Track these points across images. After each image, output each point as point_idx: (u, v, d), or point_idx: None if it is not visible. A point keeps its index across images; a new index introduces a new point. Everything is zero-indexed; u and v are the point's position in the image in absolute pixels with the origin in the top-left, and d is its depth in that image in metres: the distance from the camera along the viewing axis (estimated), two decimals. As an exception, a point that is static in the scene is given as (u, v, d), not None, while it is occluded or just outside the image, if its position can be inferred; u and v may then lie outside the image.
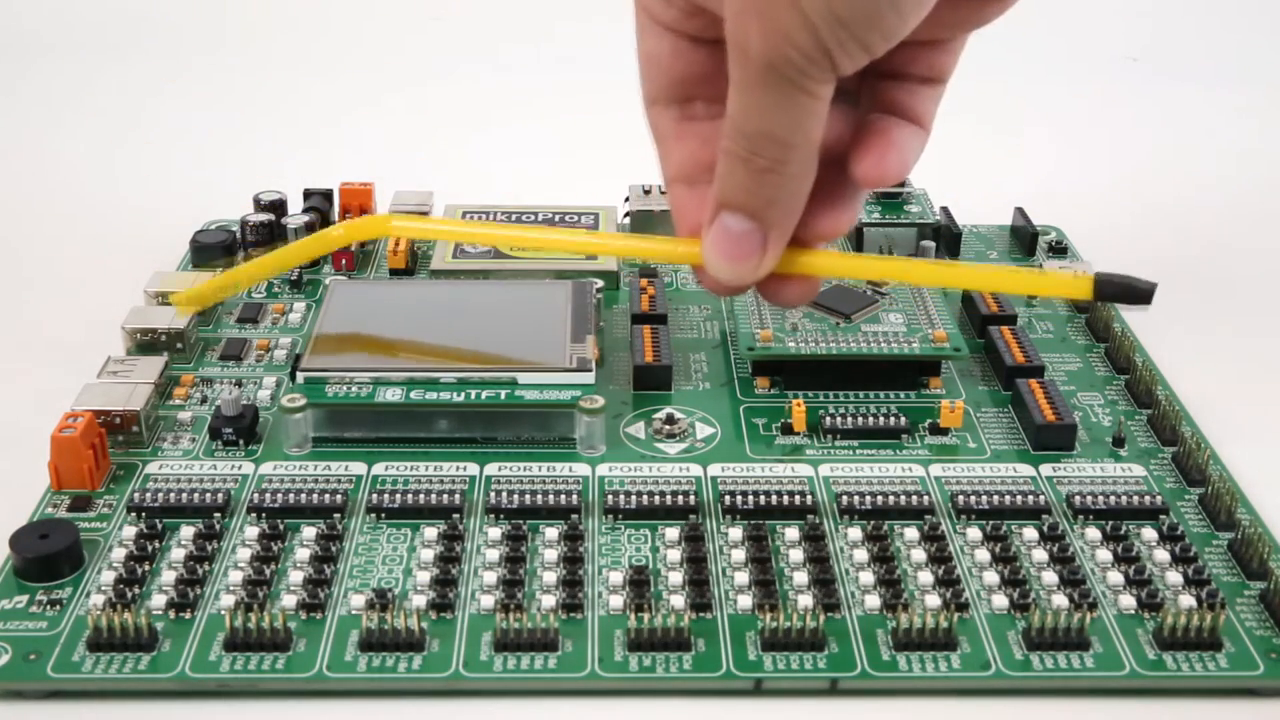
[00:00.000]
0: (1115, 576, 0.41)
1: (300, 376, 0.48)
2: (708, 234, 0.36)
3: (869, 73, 0.36)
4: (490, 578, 0.41)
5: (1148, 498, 0.44)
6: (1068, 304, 0.58)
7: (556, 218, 0.62)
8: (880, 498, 0.44)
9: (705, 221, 0.37)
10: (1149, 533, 0.43)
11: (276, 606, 0.39)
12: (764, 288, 0.38)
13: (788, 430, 0.48)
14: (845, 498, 0.44)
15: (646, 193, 0.63)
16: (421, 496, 0.44)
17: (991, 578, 0.41)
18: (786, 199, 0.35)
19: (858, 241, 0.61)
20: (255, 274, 0.44)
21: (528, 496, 0.44)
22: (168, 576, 0.41)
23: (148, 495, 0.44)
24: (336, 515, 0.44)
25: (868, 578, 0.41)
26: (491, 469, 0.46)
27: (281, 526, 0.43)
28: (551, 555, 0.42)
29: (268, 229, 0.60)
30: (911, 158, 0.37)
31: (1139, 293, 0.37)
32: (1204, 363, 0.54)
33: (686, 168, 0.38)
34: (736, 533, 0.43)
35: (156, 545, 0.42)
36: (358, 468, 0.46)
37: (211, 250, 0.60)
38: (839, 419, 0.48)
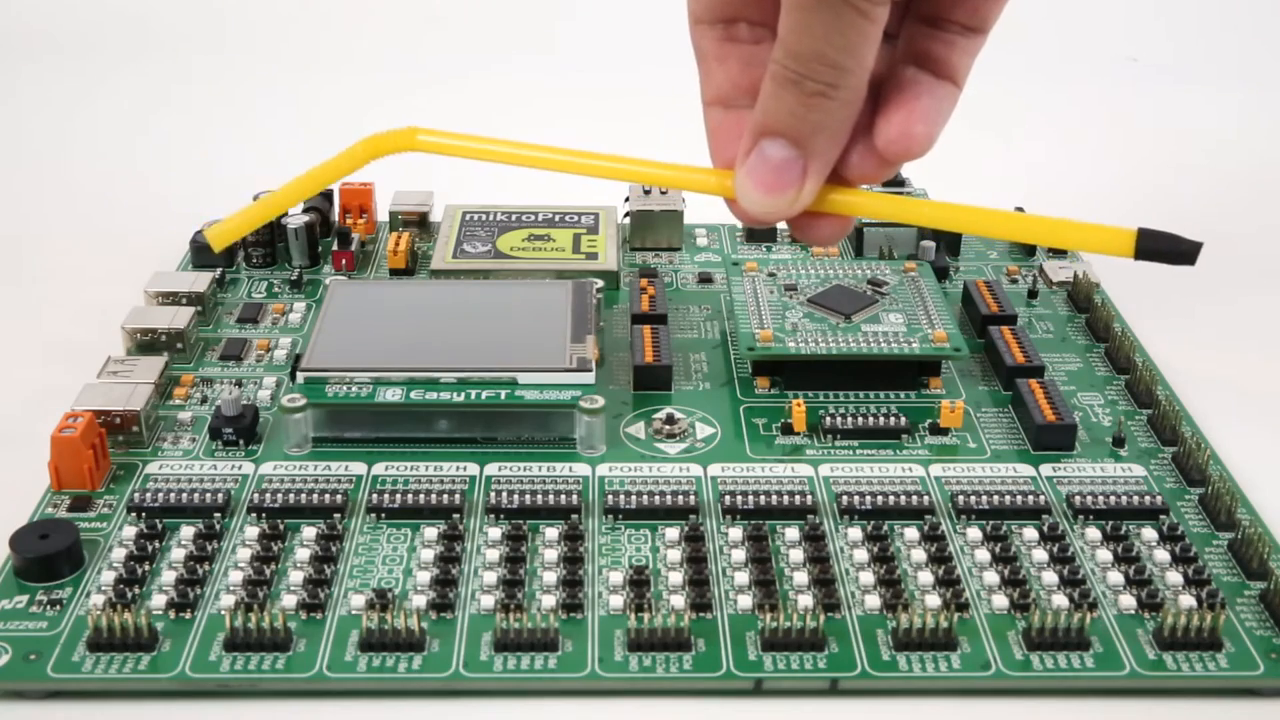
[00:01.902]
0: (1115, 576, 0.41)
1: (300, 376, 0.48)
2: (744, 163, 0.34)
3: (909, 15, 0.35)
4: (490, 578, 0.41)
5: (1148, 498, 0.44)
6: (1068, 304, 0.58)
7: (556, 217, 0.62)
8: (880, 498, 0.44)
9: (741, 150, 0.35)
10: (1149, 533, 0.43)
11: (276, 606, 0.39)
12: (796, 224, 0.37)
13: (788, 430, 0.48)
14: (845, 498, 0.44)
15: (646, 193, 0.63)
16: (421, 496, 0.44)
17: (991, 578, 0.41)
18: (834, 126, 0.34)
19: (858, 243, 0.61)
20: (285, 199, 0.43)
21: (528, 496, 0.44)
22: (168, 576, 0.41)
23: (148, 495, 0.44)
24: (336, 515, 0.44)
25: (868, 578, 0.41)
26: (491, 469, 0.46)
27: (281, 526, 0.43)
28: (551, 555, 0.42)
29: (268, 229, 0.60)
30: (939, 127, 0.35)
31: (1183, 252, 0.35)
32: (1204, 363, 0.54)
33: (725, 90, 0.37)
34: (736, 533, 0.43)
35: (156, 545, 0.42)
36: (358, 468, 0.46)
37: (211, 250, 0.60)
38: (839, 419, 0.48)
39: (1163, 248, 0.35)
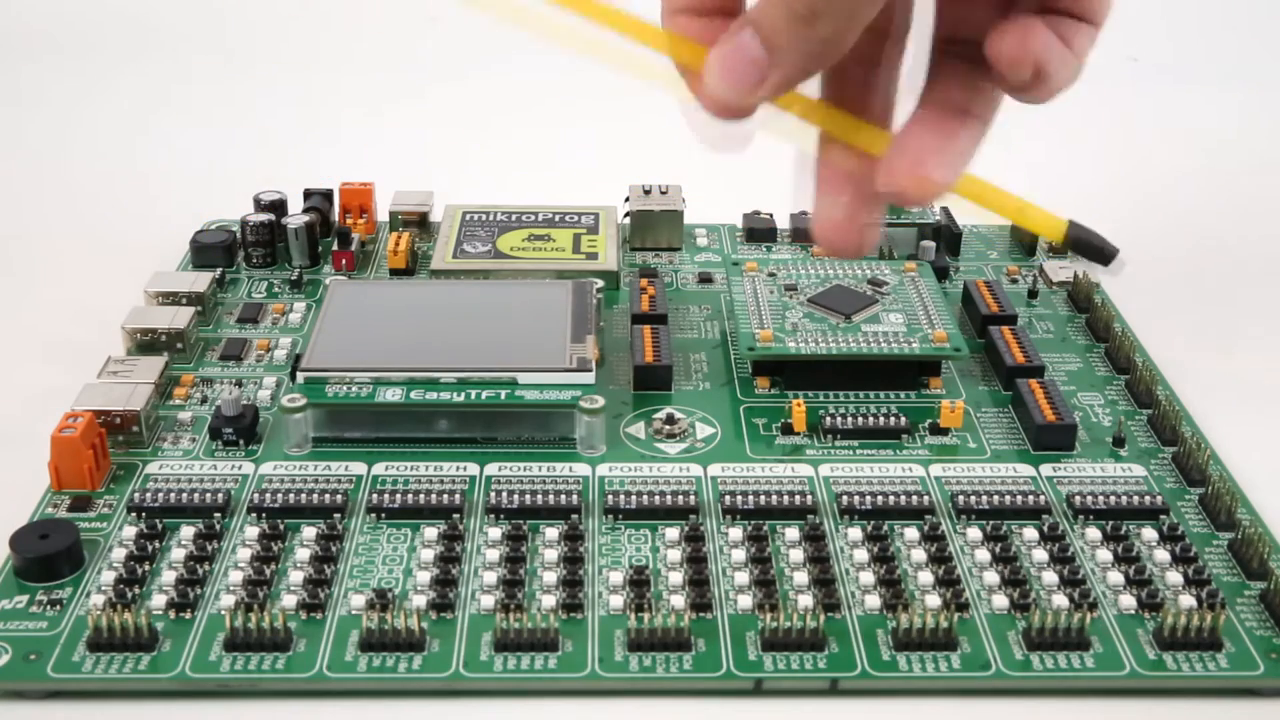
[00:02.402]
0: (1115, 576, 0.41)
1: (300, 376, 0.48)
2: (722, 41, 0.35)
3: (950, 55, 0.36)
4: (490, 578, 0.41)
5: (1148, 498, 0.44)
6: (1068, 304, 0.58)
7: (556, 217, 0.62)
8: (880, 498, 0.44)
9: (729, 30, 0.35)
10: (1149, 533, 0.43)
11: (276, 606, 0.39)
12: (821, 230, 0.37)
13: (788, 430, 0.48)
14: (845, 498, 0.44)
15: (646, 193, 0.63)
16: (421, 496, 0.44)
17: (992, 578, 0.41)
18: (804, 53, 0.34)
19: (858, 241, 0.61)
20: None
21: (528, 496, 0.44)
22: (168, 576, 0.41)
23: (148, 495, 0.44)
24: (336, 515, 0.44)
25: (868, 578, 0.41)
26: (491, 469, 0.46)
27: (281, 526, 0.43)
28: (551, 555, 0.42)
29: (268, 229, 0.60)
30: (1064, 75, 0.36)
31: (1101, 254, 0.37)
32: (1205, 363, 0.54)
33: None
34: (736, 533, 0.43)
35: (156, 545, 0.42)
36: (358, 468, 0.46)
37: (211, 250, 0.60)
38: (839, 419, 0.48)
39: (1089, 241, 0.37)
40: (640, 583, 0.41)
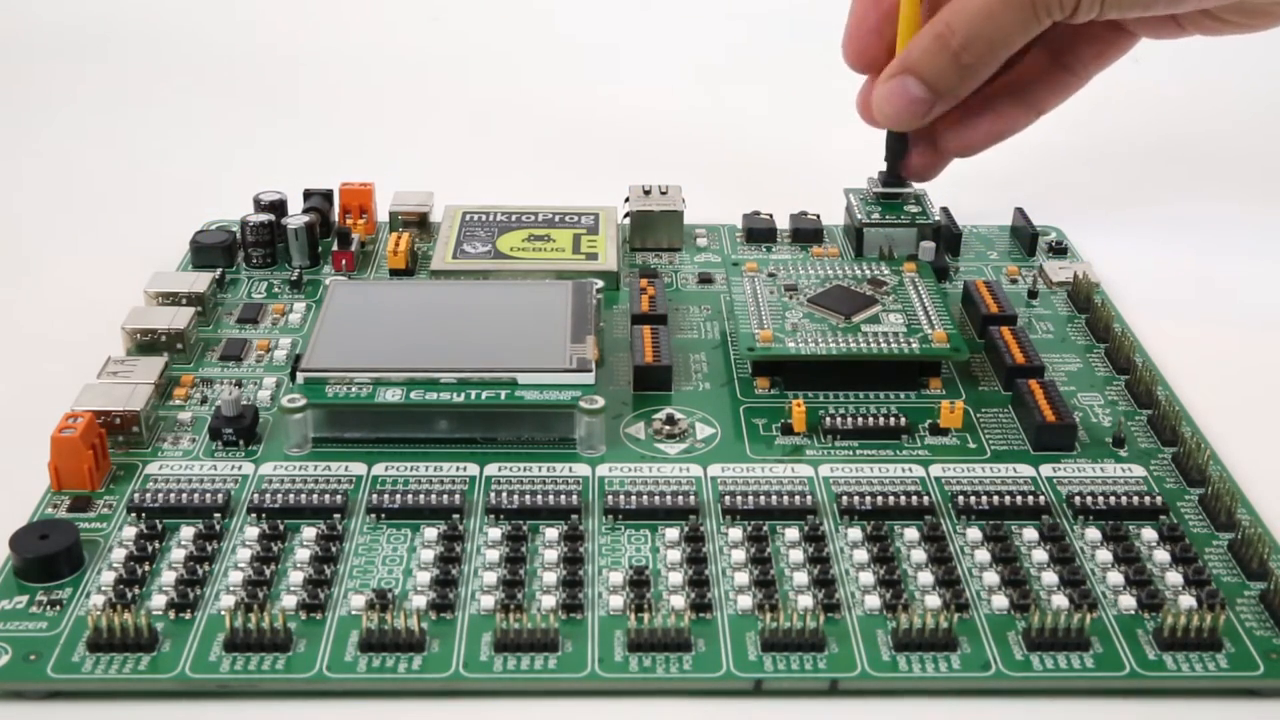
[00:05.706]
0: (1115, 577, 0.41)
1: (300, 377, 0.48)
2: (886, 84, 0.44)
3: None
4: (490, 578, 0.41)
5: (1148, 498, 0.44)
6: (1068, 304, 0.58)
7: (556, 218, 0.62)
8: (880, 498, 0.44)
9: (887, 72, 0.44)
10: (1149, 533, 0.43)
11: (276, 607, 0.39)
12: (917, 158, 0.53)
13: (788, 430, 0.48)
14: (845, 498, 0.44)
15: (646, 193, 0.63)
16: (421, 497, 0.44)
17: (991, 578, 0.41)
18: (966, 88, 0.44)
19: (858, 243, 0.61)
20: None
21: (528, 497, 0.44)
22: (168, 577, 0.41)
23: (148, 495, 0.44)
24: (336, 515, 0.44)
25: (868, 578, 0.41)
26: (491, 469, 0.46)
27: (281, 527, 0.43)
28: (552, 555, 0.42)
29: (268, 229, 0.60)
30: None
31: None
32: (1205, 363, 0.54)
33: None
34: (736, 533, 0.43)
35: (156, 545, 0.42)
36: (358, 468, 0.46)
37: (211, 250, 0.60)
38: (839, 419, 0.48)
39: None
40: (640, 583, 0.41)
